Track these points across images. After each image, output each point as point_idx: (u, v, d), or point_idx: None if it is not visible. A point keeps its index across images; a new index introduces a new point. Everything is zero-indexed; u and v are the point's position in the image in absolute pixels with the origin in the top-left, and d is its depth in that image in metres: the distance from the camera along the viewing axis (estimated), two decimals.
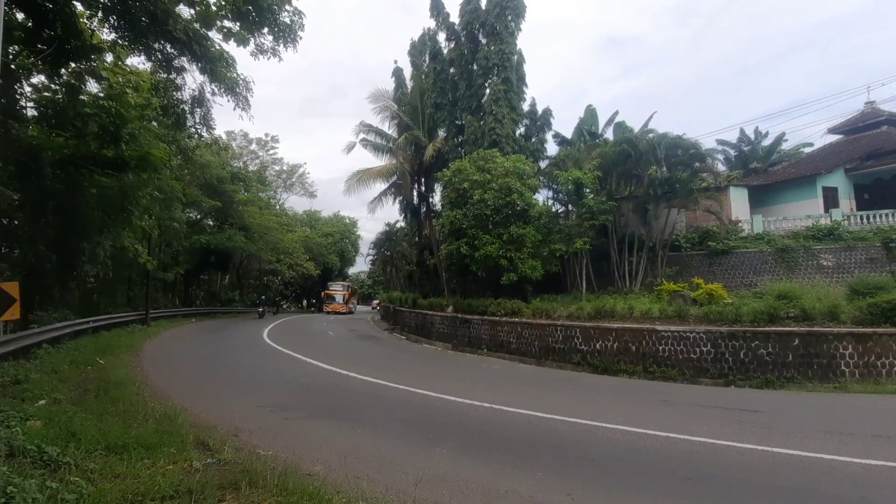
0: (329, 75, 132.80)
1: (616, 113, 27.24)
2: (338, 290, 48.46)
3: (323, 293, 50.14)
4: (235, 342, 17.52)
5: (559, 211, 22.57)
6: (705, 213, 20.23)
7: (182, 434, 5.30)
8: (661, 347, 12.71)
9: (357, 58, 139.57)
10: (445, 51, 29.00)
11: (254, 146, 44.25)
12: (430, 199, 30.80)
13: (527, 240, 18.45)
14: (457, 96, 27.37)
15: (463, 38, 27.17)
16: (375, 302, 59.78)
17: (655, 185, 19.22)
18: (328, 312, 44.51)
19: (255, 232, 33.47)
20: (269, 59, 11.82)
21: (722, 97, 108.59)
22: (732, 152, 30.44)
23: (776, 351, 11.54)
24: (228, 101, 12.40)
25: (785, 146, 29.33)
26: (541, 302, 17.60)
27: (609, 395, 10.21)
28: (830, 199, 21.52)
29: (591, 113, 26.95)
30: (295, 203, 63.27)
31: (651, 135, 20.13)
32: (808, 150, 28.68)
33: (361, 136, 30.94)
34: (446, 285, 25.99)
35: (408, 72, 32.81)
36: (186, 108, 13.09)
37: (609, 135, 25.60)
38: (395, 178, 30.64)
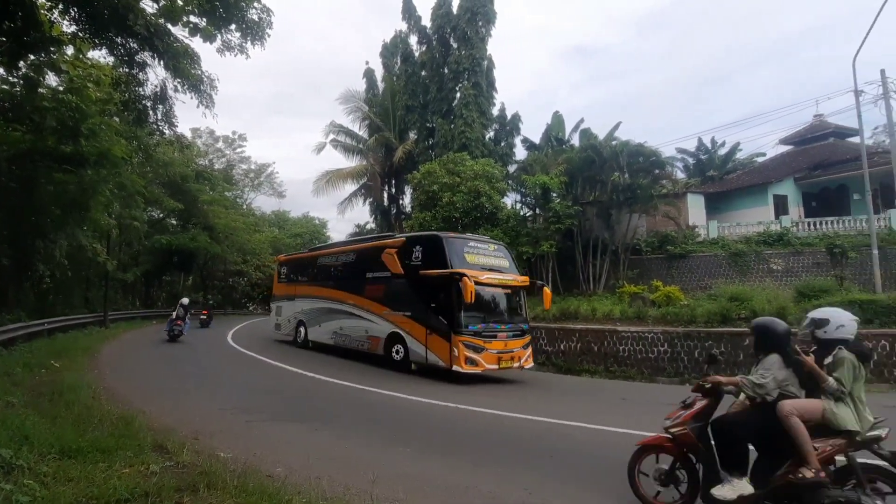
0: (302, 73, 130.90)
1: (581, 120, 28.16)
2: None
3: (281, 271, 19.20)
4: (198, 345, 17.10)
5: (527, 214, 23.04)
6: (664, 219, 21.07)
7: (139, 437, 5.23)
8: (621, 347, 13.18)
9: (331, 56, 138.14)
10: (417, 54, 29.18)
11: (220, 144, 43.14)
12: (401, 201, 30.89)
13: None
14: (428, 99, 27.57)
15: (434, 42, 27.40)
16: None
17: (618, 190, 19.90)
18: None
19: (220, 232, 32.67)
20: (235, 55, 11.67)
21: (684, 108, 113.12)
22: (691, 160, 31.79)
23: (728, 350, 12.14)
24: (192, 98, 12.16)
25: (739, 155, 30.91)
26: None
27: (571, 394, 10.54)
28: (781, 206, 22.77)
29: (558, 119, 27.62)
30: (263, 203, 61.98)
31: (614, 142, 20.88)
32: (760, 159, 30.26)
33: (332, 136, 30.80)
34: None
35: (379, 73, 32.82)
36: (148, 105, 12.75)
37: (575, 141, 26.31)
38: (365, 179, 30.59)
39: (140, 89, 12.62)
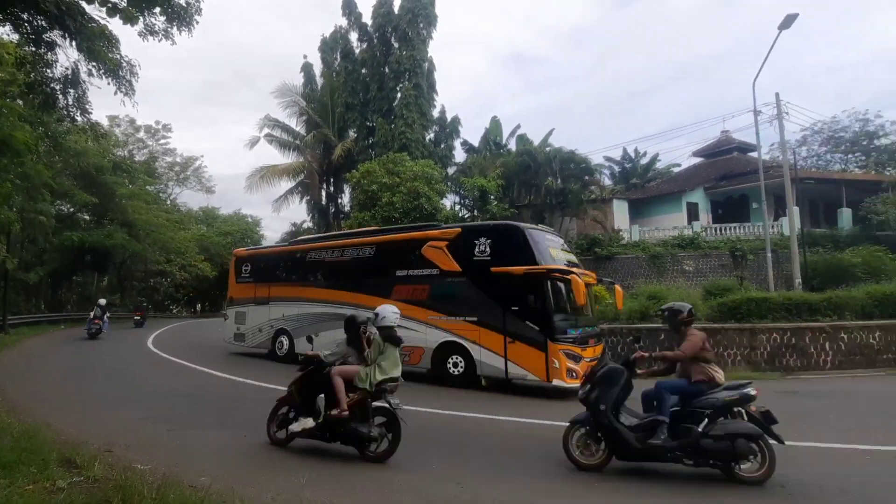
0: (234, 62, 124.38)
1: (518, 126, 29.11)
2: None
3: None
4: (114, 351, 15.88)
5: (465, 216, 23.49)
6: (593, 222, 22.38)
7: (44, 451, 4.84)
8: None
9: (266, 47, 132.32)
10: (357, 51, 28.84)
11: (142, 134, 40.06)
12: (339, 200, 30.38)
13: None
14: (368, 97, 27.33)
15: (375, 40, 27.23)
16: None
17: (552, 194, 20.88)
18: None
19: (140, 229, 30.32)
20: (160, 40, 10.95)
21: (612, 118, 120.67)
22: (617, 168, 33.95)
23: (646, 345, 13.12)
24: (109, 83, 11.27)
25: (658, 165, 33.52)
26: None
27: (500, 392, 10.83)
28: (692, 212, 24.94)
29: (495, 124, 28.39)
30: (189, 199, 58.30)
31: (548, 149, 21.89)
32: (676, 169, 32.99)
33: (266, 131, 29.70)
34: None
35: (317, 68, 32.07)
36: (57, 88, 11.64)
37: (512, 145, 27.22)
38: (302, 176, 29.72)
39: (48, 71, 11.50)
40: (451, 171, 26.14)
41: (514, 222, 11.62)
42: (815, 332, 12.75)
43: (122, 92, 11.35)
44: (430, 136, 27.06)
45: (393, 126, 25.42)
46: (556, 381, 9.15)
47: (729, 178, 26.01)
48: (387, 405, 5.34)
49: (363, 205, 20.78)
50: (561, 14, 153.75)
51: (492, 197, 20.74)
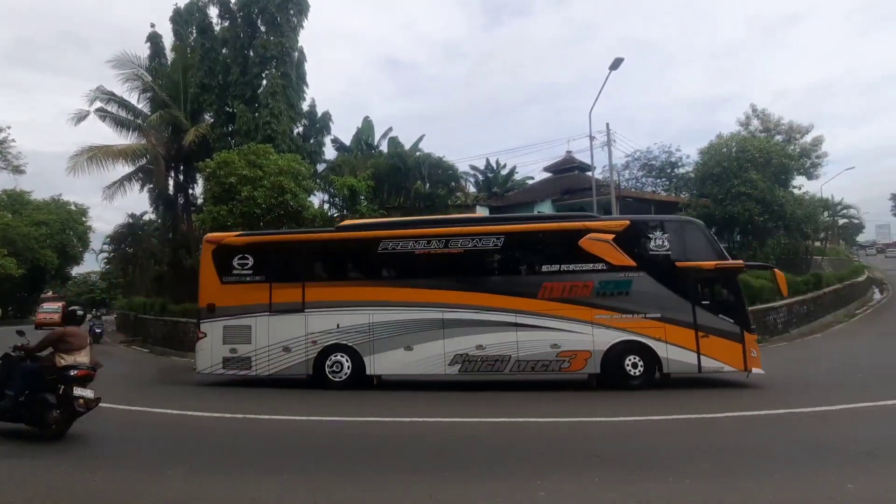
0: (62, 20, 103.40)
1: (390, 129, 29.25)
2: None
3: None
4: None
5: (334, 215, 23.04)
6: None
7: None
8: None
9: (106, 8, 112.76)
10: (218, 28, 26.32)
11: None
12: (191, 191, 27.37)
13: None
14: (228, 80, 25.11)
15: (239, 20, 25.18)
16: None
17: (420, 198, 21.63)
18: None
19: None
20: None
21: (478, 130, 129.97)
22: (480, 177, 36.56)
23: None
24: None
25: (516, 177, 36.95)
26: None
27: (367, 393, 10.97)
28: None
29: (368, 124, 28.29)
30: None
31: (418, 153, 22.63)
32: (531, 182, 36.79)
33: (98, 104, 25.39)
34: None
35: (168, 40, 28.41)
36: None
37: (384, 147, 27.43)
38: (143, 161, 26.07)
39: None
40: (320, 168, 25.33)
41: (689, 217, 12.32)
42: None
43: None
44: (298, 129, 25.79)
45: (257, 115, 23.70)
46: (754, 370, 9.73)
47: (571, 192, 29.78)
48: None
49: (219, 198, 19.02)
50: (434, 25, 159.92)
51: (362, 197, 20.70)
